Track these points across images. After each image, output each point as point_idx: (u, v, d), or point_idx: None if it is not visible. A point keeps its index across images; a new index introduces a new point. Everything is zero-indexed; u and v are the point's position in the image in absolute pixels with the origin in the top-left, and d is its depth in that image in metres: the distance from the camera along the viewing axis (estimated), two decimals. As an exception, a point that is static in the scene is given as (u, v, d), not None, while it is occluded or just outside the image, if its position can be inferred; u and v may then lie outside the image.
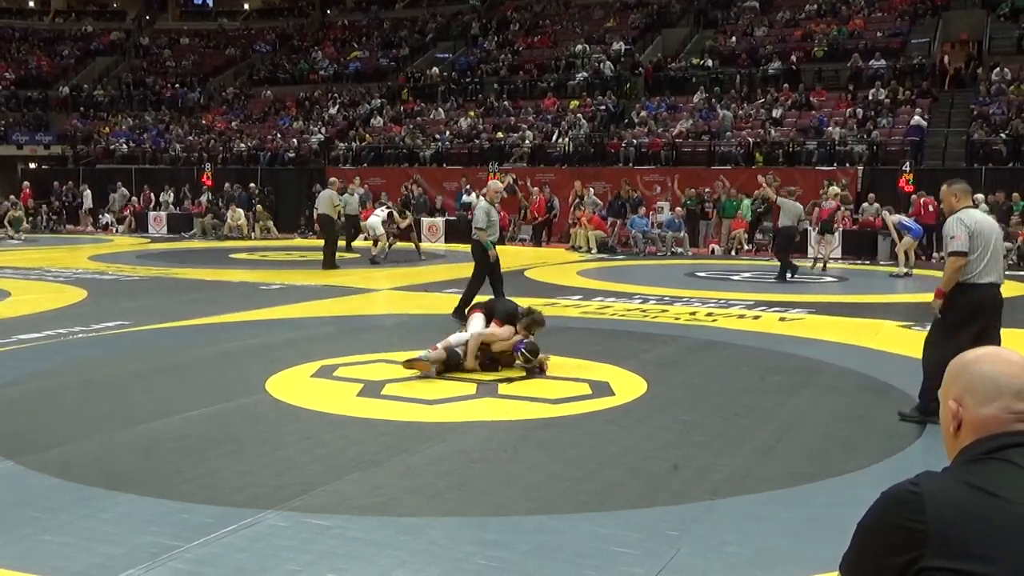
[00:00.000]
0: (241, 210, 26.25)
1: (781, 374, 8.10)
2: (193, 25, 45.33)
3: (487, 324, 8.12)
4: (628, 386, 7.46)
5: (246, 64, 40.37)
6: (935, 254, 18.99)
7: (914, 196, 20.14)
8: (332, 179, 18.82)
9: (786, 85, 27.09)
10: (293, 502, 4.65)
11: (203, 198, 27.82)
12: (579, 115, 27.84)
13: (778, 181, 22.22)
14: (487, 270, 10.98)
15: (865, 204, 21.26)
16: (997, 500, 1.52)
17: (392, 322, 11.39)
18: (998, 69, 24.83)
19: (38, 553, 4.04)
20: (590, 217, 22.33)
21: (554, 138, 27.19)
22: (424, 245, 22.92)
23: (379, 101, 32.74)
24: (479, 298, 9.96)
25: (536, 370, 7.83)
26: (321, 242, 17.68)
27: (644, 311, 11.91)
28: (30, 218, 28.32)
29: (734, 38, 30.70)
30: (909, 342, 9.21)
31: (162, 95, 38.10)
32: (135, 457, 5.51)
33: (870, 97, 25.49)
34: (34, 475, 5.11)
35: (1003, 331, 6.42)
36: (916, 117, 23.51)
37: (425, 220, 24.92)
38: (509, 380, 7.64)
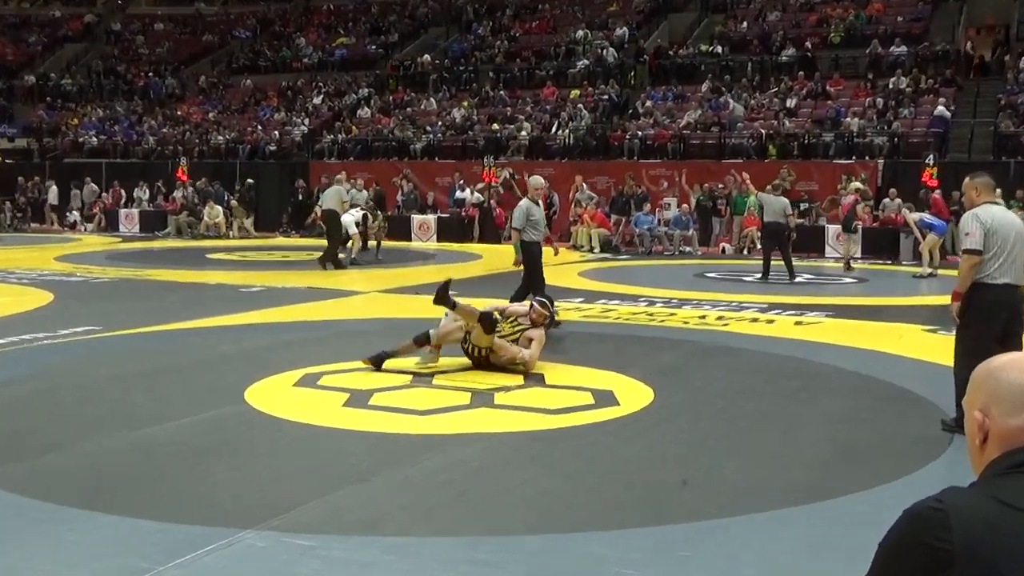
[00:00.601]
0: (219, 207, 26.25)
1: (797, 381, 8.09)
2: (168, 10, 45.24)
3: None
4: (633, 395, 7.44)
5: (225, 51, 40.30)
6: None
7: (928, 193, 20.06)
8: (340, 174, 19.13)
9: (801, 73, 27.10)
10: (273, 520, 4.62)
11: (178, 194, 27.79)
12: (580, 105, 27.82)
13: (793, 176, 22.26)
14: (537, 268, 10.81)
15: (886, 200, 21.24)
16: (1027, 515, 1.50)
17: (379, 327, 11.36)
18: (1027, 56, 24.92)
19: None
20: (592, 214, 22.29)
21: (553, 130, 27.19)
22: (415, 244, 22.87)
23: (366, 91, 32.72)
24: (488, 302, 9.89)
25: (552, 323, 8.98)
26: (322, 243, 17.86)
27: (650, 315, 11.90)
28: (-8, 216, 28.31)
29: (745, 23, 30.72)
30: (935, 347, 9.20)
31: (134, 84, 37.99)
32: (103, 473, 5.47)
33: (890, 86, 25.49)
34: (-6, 492, 5.07)
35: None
36: (940, 107, 23.53)
37: (416, 217, 24.89)
38: (506, 389, 7.62)
